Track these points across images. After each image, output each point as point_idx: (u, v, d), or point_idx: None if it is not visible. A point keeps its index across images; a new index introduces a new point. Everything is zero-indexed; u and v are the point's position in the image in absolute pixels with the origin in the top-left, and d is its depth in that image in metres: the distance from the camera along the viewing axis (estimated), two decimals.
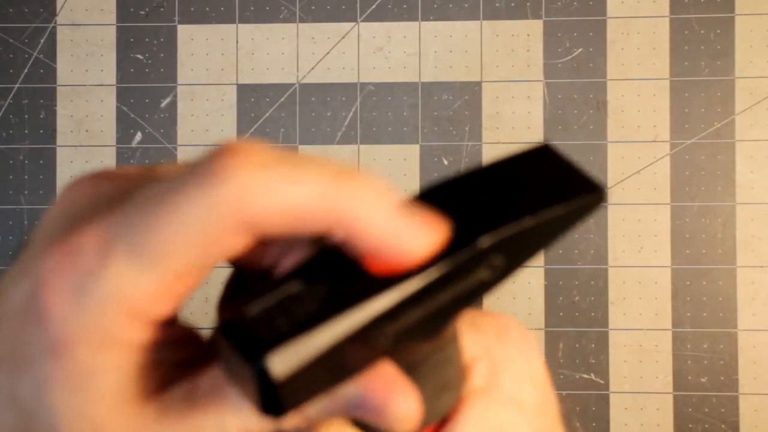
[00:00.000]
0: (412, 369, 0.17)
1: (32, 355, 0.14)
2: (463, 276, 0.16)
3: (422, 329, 0.16)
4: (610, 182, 0.40)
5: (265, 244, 0.15)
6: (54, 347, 0.14)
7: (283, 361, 0.13)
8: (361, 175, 0.14)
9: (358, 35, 0.41)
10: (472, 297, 0.16)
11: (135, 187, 0.14)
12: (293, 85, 0.41)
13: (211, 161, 0.13)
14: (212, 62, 0.41)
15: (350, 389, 0.15)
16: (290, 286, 0.15)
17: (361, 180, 0.14)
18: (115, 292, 0.13)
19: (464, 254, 0.15)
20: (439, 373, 0.18)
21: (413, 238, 0.15)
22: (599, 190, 0.17)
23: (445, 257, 0.15)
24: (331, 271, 0.15)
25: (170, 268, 0.13)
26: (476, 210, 0.16)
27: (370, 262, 0.15)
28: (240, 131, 0.41)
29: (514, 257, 0.17)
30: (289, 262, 0.15)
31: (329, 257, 0.15)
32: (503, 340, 0.20)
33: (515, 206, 0.16)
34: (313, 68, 0.41)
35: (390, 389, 0.15)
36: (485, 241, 0.15)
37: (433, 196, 0.17)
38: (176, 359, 0.16)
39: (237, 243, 0.13)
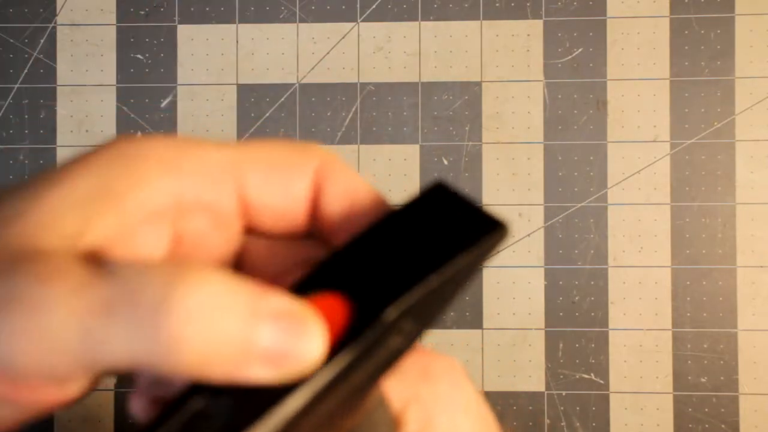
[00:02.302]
0: None
1: None
2: (374, 351, 0.15)
3: (342, 409, 0.15)
4: (610, 182, 0.40)
5: None
6: None
7: None
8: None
9: (358, 35, 0.41)
10: (388, 365, 0.16)
11: None
12: (293, 85, 0.41)
13: None
14: (212, 62, 0.41)
15: None
16: (194, 402, 0.14)
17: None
18: None
19: (372, 333, 0.14)
20: None
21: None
22: (501, 228, 0.16)
23: (352, 339, 0.14)
24: None
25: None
26: (377, 276, 0.16)
27: None
28: (240, 131, 0.41)
29: (425, 316, 0.16)
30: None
31: None
32: (428, 378, 0.21)
33: (417, 265, 0.16)
34: (313, 68, 0.41)
35: None
36: (391, 314, 0.15)
37: (330, 267, 0.16)
38: None
39: None
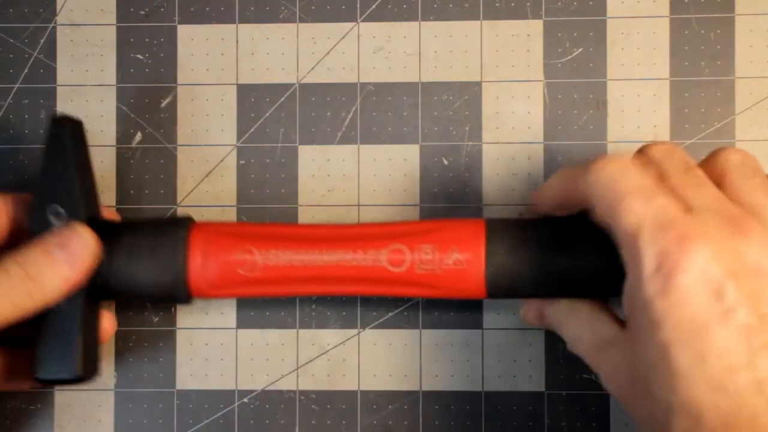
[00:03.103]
0: None
1: None
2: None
3: None
4: None
5: None
6: None
7: None
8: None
9: (358, 35, 0.41)
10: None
11: None
12: (293, 85, 0.41)
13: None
14: (212, 62, 0.41)
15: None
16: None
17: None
18: None
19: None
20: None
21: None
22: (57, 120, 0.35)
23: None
24: None
25: None
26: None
27: None
28: (240, 131, 0.41)
29: (73, 199, 0.34)
30: None
31: None
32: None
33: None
34: (313, 68, 0.41)
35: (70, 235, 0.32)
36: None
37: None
38: None
39: None
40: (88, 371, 0.34)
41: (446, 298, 0.37)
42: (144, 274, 0.34)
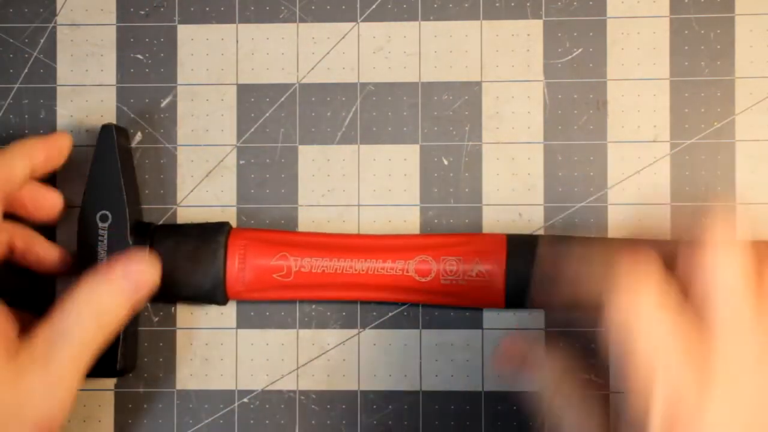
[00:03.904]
0: None
1: None
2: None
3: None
4: (610, 182, 0.40)
5: None
6: None
7: None
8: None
9: (358, 35, 0.41)
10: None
11: None
12: (293, 85, 0.41)
13: None
14: (212, 62, 0.41)
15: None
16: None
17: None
18: None
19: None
20: None
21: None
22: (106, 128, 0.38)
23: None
24: None
25: None
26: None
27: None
28: (240, 131, 0.41)
29: (119, 199, 0.36)
30: None
31: None
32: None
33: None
34: (313, 68, 0.41)
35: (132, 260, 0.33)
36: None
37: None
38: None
39: None
40: (128, 366, 0.38)
41: (466, 306, 0.39)
42: (184, 276, 0.36)
